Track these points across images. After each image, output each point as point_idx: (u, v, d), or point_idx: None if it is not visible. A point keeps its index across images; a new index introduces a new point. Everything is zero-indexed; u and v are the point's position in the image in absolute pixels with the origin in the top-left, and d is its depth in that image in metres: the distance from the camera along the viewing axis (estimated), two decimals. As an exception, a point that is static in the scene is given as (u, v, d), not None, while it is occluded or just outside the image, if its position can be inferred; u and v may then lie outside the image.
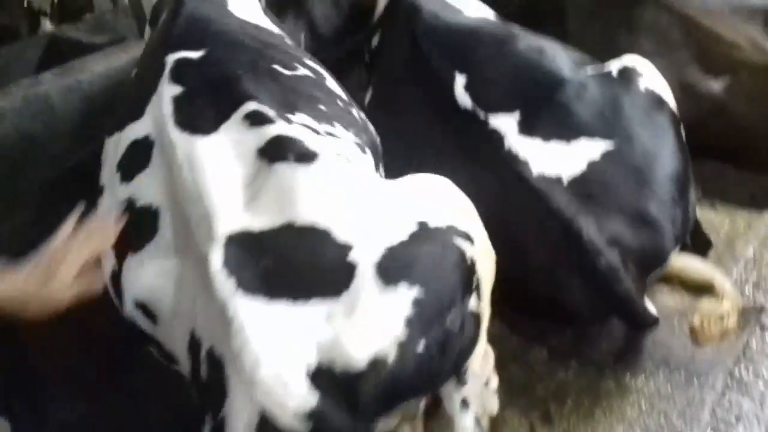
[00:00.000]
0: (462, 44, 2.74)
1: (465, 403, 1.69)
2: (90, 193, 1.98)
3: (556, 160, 2.36)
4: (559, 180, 2.32)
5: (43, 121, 3.27)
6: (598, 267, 2.13)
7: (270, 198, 1.59)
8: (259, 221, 1.56)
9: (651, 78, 2.57)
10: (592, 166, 2.34)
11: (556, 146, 2.42)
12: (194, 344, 1.53)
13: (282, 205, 1.56)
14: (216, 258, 1.47)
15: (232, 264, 1.47)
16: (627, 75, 2.58)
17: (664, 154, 2.38)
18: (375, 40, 3.19)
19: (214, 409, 1.44)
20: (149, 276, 1.64)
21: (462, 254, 1.59)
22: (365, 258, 1.48)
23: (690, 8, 3.13)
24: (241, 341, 1.38)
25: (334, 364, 1.39)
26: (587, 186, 2.30)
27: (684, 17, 3.14)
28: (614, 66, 2.62)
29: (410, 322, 1.43)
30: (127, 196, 1.80)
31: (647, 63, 2.61)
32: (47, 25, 4.57)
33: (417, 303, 1.45)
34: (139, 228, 1.72)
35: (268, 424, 1.36)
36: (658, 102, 2.54)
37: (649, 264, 2.24)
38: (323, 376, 1.39)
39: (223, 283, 1.44)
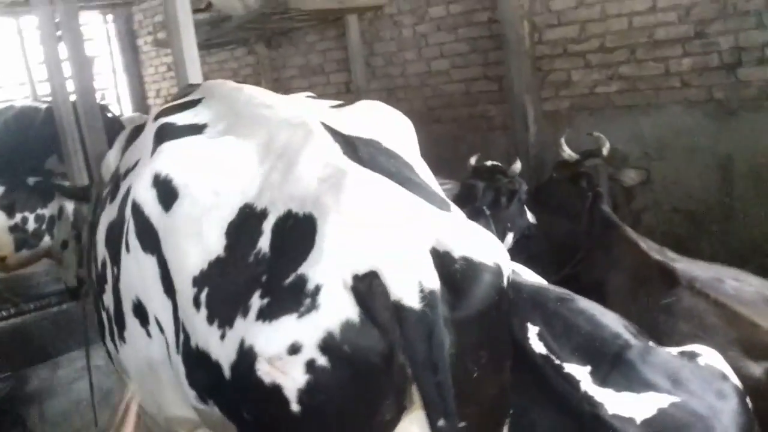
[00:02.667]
0: (531, 299, 2.94)
1: None
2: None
3: (628, 405, 2.48)
4: (632, 420, 2.43)
5: None
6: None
7: None
8: None
9: (713, 357, 2.75)
10: (662, 411, 2.46)
11: (627, 395, 2.55)
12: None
13: None
14: None
15: None
16: (689, 352, 2.76)
17: (728, 410, 2.50)
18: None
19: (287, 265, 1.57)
20: None
21: None
22: None
23: (725, 296, 3.39)
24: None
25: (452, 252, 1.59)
26: (659, 427, 2.41)
27: (720, 304, 3.37)
28: (674, 349, 2.81)
29: None
30: None
31: (711, 349, 2.80)
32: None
33: None
34: None
35: (376, 283, 1.51)
36: (722, 375, 2.69)
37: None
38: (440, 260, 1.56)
39: None
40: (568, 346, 2.72)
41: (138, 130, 2.63)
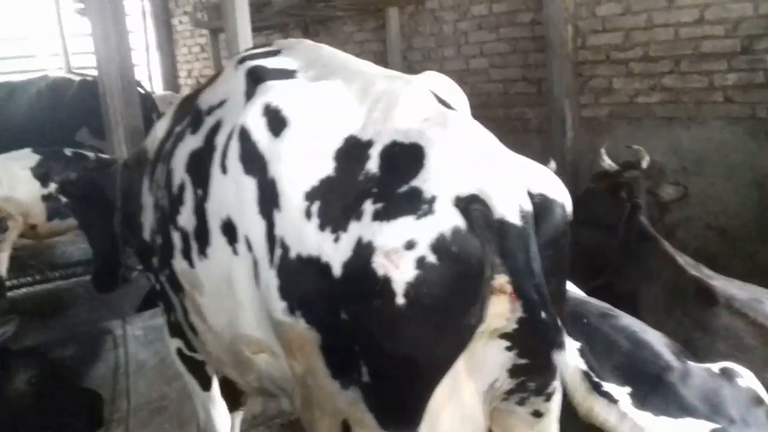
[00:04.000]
0: (572, 312, 2.93)
1: None
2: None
3: (666, 431, 2.48)
4: None
5: None
6: None
7: None
8: None
9: (751, 379, 2.74)
10: None
11: (665, 420, 2.54)
12: None
13: None
14: None
15: None
16: (728, 373, 2.74)
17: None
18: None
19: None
20: None
21: None
22: None
23: (764, 317, 3.36)
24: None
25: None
26: None
27: (759, 325, 3.34)
28: (714, 365, 2.80)
29: None
30: None
31: (746, 370, 2.79)
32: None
33: None
34: None
35: (480, 202, 1.75)
36: (758, 400, 2.68)
37: None
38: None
39: None
40: (608, 364, 2.71)
41: (188, 100, 2.82)
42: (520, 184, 1.85)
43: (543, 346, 1.84)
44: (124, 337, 3.45)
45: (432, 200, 1.77)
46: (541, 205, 1.87)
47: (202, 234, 2.30)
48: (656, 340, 2.88)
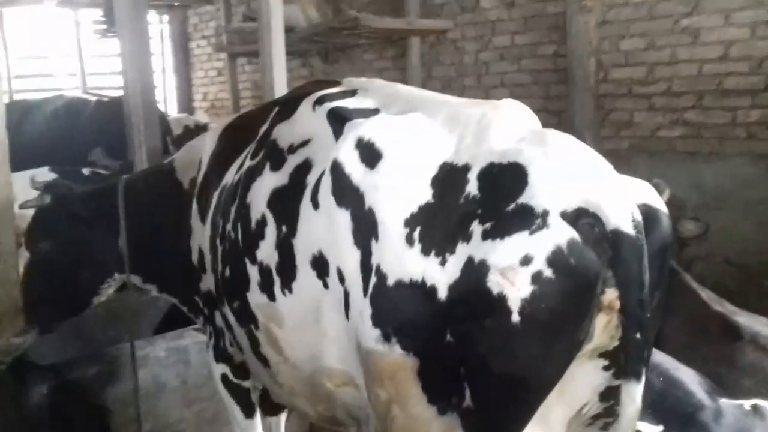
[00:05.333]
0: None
1: None
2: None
3: None
4: None
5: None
6: None
7: None
8: None
9: (779, 415, 2.71)
10: None
11: None
12: None
13: None
14: None
15: None
16: (759, 410, 2.72)
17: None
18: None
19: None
20: None
21: None
22: None
23: (789, 354, 3.33)
24: None
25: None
26: None
27: (785, 362, 3.32)
28: (745, 402, 2.77)
29: None
30: None
31: None
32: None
33: None
34: None
35: (591, 214, 1.73)
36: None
37: None
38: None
39: None
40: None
41: (243, 131, 2.93)
42: (629, 195, 1.84)
43: (626, 369, 1.81)
44: (145, 358, 3.43)
45: (544, 214, 1.75)
46: (648, 216, 1.86)
47: (287, 269, 2.33)
48: (689, 378, 2.86)
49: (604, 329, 1.84)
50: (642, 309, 1.74)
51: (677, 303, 3.94)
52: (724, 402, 2.74)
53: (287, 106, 2.68)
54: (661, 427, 2.62)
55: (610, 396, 2.00)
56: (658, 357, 3.00)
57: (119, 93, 5.46)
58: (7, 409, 2.50)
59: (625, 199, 1.80)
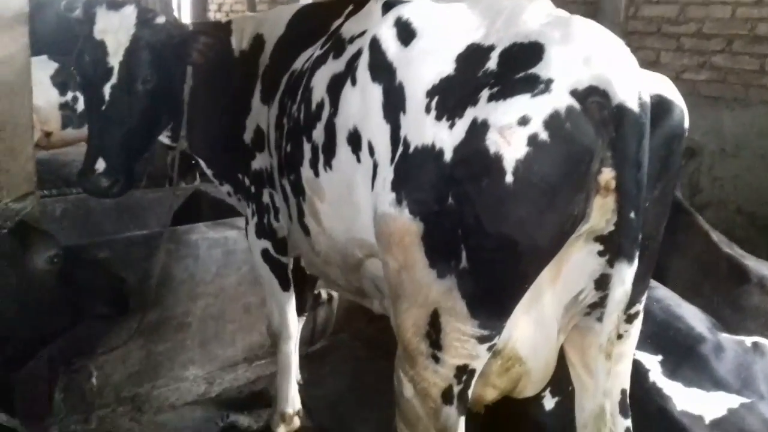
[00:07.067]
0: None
1: None
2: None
3: (697, 402, 2.50)
4: (701, 418, 2.45)
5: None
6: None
7: None
8: None
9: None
10: (732, 412, 2.47)
11: (696, 392, 2.54)
12: None
13: None
14: None
15: None
16: (760, 347, 2.74)
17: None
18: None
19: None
20: None
21: None
22: None
23: (796, 298, 3.35)
24: None
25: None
26: (727, 428, 2.42)
27: (791, 307, 3.34)
28: (746, 339, 2.78)
29: None
30: None
31: None
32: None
33: None
34: None
35: (599, 89, 1.76)
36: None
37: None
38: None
39: None
40: (642, 335, 2.70)
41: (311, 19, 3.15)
42: (640, 78, 1.85)
43: (618, 250, 1.83)
44: (155, 249, 3.45)
45: (549, 81, 1.80)
46: (660, 105, 1.89)
47: (329, 147, 2.47)
48: (691, 313, 2.87)
49: (599, 210, 1.87)
50: (638, 188, 1.77)
51: (687, 243, 3.94)
52: (725, 337, 2.76)
53: (362, 4, 2.79)
54: (660, 357, 2.64)
55: (604, 284, 2.04)
56: (662, 292, 3.01)
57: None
58: (9, 272, 2.48)
59: (636, 80, 1.82)
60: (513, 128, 1.78)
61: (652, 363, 2.62)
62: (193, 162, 3.72)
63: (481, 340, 1.98)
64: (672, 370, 2.60)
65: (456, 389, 2.05)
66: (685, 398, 2.50)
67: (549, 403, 2.66)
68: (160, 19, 3.20)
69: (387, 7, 2.43)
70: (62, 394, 3.23)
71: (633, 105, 1.75)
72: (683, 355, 2.65)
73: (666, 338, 2.71)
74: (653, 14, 6.10)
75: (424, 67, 2.06)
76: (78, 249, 3.02)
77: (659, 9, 6.06)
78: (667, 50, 6.03)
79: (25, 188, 3.03)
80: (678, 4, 5.94)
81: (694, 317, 2.86)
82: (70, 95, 6.74)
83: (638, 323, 2.23)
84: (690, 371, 2.60)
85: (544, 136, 1.76)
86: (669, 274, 3.83)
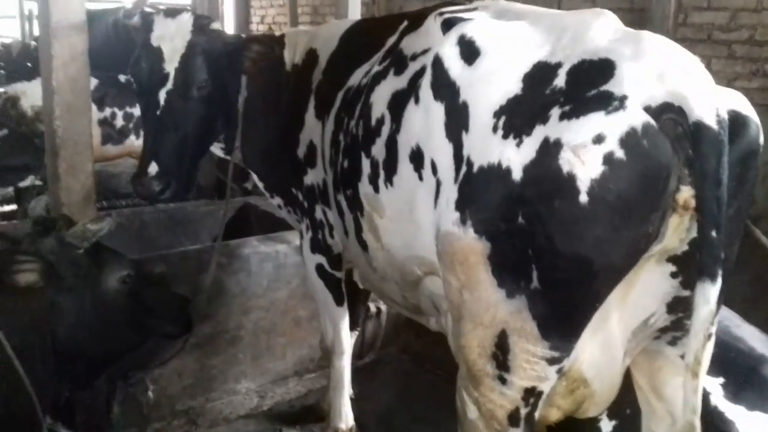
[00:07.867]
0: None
1: None
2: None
3: (761, 427, 2.45)
4: None
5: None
6: None
7: None
8: None
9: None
10: None
11: (760, 416, 2.47)
12: None
13: None
14: None
15: None
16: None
17: None
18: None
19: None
20: None
21: None
22: None
23: None
24: None
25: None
26: None
27: None
28: None
29: None
30: None
31: None
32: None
33: None
34: None
35: (674, 108, 1.74)
36: None
37: None
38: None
39: None
40: None
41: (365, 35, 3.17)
42: (719, 96, 1.83)
43: (701, 269, 1.77)
44: (208, 264, 3.48)
45: (623, 98, 1.77)
46: (736, 120, 1.85)
47: (390, 164, 2.46)
48: (752, 334, 2.80)
49: (675, 230, 1.84)
50: (719, 206, 1.73)
51: (745, 258, 3.85)
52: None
53: (417, 21, 2.76)
54: (721, 379, 2.58)
55: (677, 307, 2.01)
56: (722, 312, 2.94)
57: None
58: (83, 292, 2.54)
59: (712, 96, 1.78)
60: (588, 147, 1.75)
61: (714, 386, 2.56)
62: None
63: (551, 361, 1.96)
64: (734, 393, 2.55)
65: (523, 411, 2.03)
66: (748, 422, 2.44)
67: (606, 426, 2.61)
68: (216, 26, 3.24)
69: (447, 25, 2.41)
70: (120, 407, 3.27)
71: (711, 122, 1.73)
72: (745, 377, 2.59)
73: (727, 360, 2.65)
74: (703, 21, 6.01)
75: (490, 87, 2.03)
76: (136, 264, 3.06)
77: (710, 16, 5.96)
78: (719, 58, 5.92)
79: (84, 205, 3.09)
80: (729, 10, 5.84)
81: (755, 338, 2.80)
82: (108, 111, 6.80)
83: (710, 345, 2.17)
84: (752, 394, 2.54)
85: (620, 154, 1.73)
86: (728, 290, 3.73)
